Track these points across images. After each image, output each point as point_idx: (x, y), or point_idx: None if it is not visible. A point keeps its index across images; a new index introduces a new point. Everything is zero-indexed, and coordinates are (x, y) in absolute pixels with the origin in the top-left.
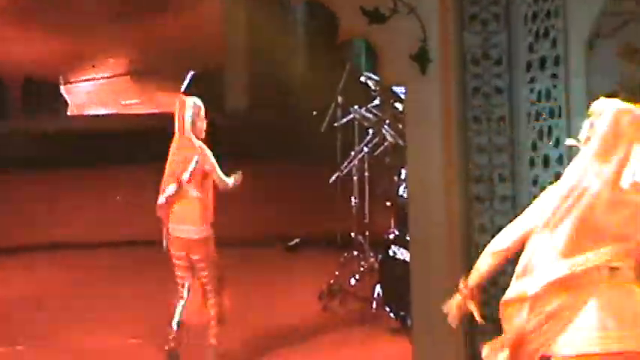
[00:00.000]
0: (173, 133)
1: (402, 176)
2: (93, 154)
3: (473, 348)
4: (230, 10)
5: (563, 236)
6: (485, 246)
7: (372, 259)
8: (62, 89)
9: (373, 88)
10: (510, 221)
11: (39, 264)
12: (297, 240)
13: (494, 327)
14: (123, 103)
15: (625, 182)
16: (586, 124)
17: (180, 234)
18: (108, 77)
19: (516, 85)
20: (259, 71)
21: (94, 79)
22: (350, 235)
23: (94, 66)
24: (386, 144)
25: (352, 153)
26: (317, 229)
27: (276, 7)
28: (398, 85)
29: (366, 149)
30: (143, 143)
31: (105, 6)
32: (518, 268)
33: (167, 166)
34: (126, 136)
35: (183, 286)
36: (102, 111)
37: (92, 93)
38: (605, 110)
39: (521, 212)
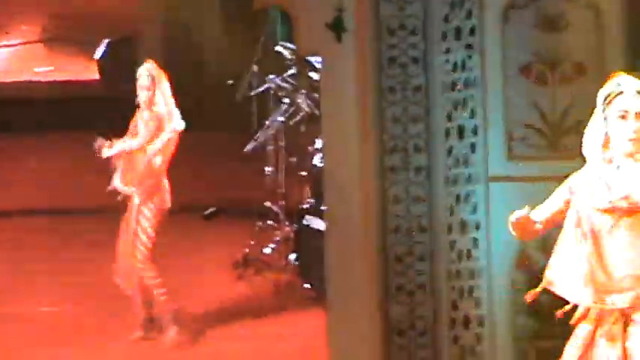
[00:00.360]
0: (90, 100)
1: (317, 146)
2: (5, 122)
3: (387, 318)
4: None
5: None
6: (399, 216)
7: (287, 229)
8: None
9: (289, 57)
10: (425, 192)
11: None
12: (213, 209)
13: (410, 299)
14: (36, 70)
15: None
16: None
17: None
18: (21, 44)
19: (432, 56)
20: (174, 39)
21: (6, 45)
22: (265, 205)
23: (7, 33)
24: (302, 113)
25: (267, 122)
26: (233, 198)
27: None
28: (313, 54)
29: (281, 119)
30: (57, 111)
31: None
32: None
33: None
34: (39, 103)
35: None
36: (15, 78)
37: (5, 60)
38: None
39: (436, 183)
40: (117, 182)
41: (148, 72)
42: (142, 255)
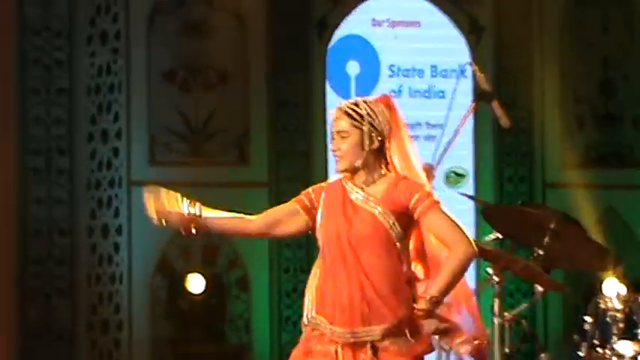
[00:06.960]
0: None
1: None
2: None
3: (24, 320)
4: None
5: None
6: (40, 219)
7: None
8: None
9: None
10: (67, 194)
11: None
12: None
13: (46, 302)
14: None
15: None
16: None
17: None
18: None
19: (77, 59)
20: None
21: None
22: None
23: None
24: None
25: None
26: None
27: None
28: None
29: None
30: None
31: None
32: None
33: None
34: None
35: None
36: None
37: None
38: None
39: (78, 186)
40: None
41: None
42: None
